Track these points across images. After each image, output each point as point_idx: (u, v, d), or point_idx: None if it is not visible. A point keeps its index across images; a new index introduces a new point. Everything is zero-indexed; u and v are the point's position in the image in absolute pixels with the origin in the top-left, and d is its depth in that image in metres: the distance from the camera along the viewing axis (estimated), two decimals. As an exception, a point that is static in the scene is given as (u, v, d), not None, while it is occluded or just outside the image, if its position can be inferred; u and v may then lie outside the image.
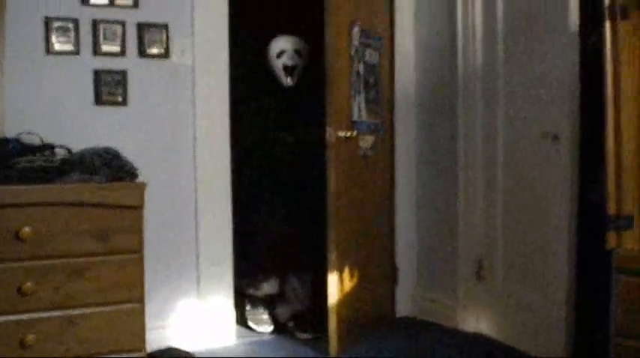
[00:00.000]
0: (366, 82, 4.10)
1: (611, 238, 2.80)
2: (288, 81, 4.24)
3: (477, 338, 4.08)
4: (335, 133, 3.68)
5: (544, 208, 3.67)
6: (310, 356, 3.84)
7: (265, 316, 4.23)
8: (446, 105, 4.28)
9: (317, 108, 3.86)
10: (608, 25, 2.77)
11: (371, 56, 4.15)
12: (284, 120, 4.26)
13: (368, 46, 4.11)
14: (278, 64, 4.24)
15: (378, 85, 4.26)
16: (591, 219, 3.37)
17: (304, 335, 4.06)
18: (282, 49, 4.23)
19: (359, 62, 4.00)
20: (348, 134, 3.82)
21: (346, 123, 3.83)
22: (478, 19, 4.11)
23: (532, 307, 3.76)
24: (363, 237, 4.13)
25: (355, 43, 3.96)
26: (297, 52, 4.25)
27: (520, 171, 3.86)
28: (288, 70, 4.22)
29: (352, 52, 3.93)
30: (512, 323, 3.91)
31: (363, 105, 4.05)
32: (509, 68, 3.92)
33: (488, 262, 4.10)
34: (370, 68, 4.15)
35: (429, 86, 4.42)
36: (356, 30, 3.94)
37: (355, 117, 3.96)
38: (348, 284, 3.90)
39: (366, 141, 4.06)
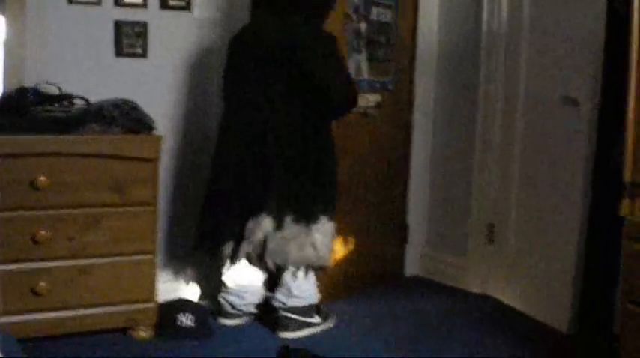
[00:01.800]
0: (370, 41, 4.08)
1: (624, 205, 2.78)
2: None
3: (484, 300, 4.10)
4: None
5: (560, 174, 3.66)
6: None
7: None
8: (467, 66, 4.25)
9: None
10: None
11: (380, 15, 4.13)
12: None
13: (376, 4, 4.09)
14: None
15: (390, 43, 4.23)
16: (606, 186, 3.36)
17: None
18: None
19: (360, 21, 3.98)
20: None
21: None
22: (503, -20, 4.06)
23: (541, 271, 3.77)
24: (370, 195, 4.15)
25: (355, 1, 3.94)
26: None
27: (538, 134, 3.84)
28: None
29: (350, 11, 3.89)
30: (520, 286, 3.93)
31: (365, 64, 4.04)
32: (534, 30, 3.87)
33: (500, 225, 4.10)
34: (379, 26, 4.13)
35: (452, 47, 4.38)
36: None
37: (352, 75, 3.83)
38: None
39: (367, 99, 4.03)
